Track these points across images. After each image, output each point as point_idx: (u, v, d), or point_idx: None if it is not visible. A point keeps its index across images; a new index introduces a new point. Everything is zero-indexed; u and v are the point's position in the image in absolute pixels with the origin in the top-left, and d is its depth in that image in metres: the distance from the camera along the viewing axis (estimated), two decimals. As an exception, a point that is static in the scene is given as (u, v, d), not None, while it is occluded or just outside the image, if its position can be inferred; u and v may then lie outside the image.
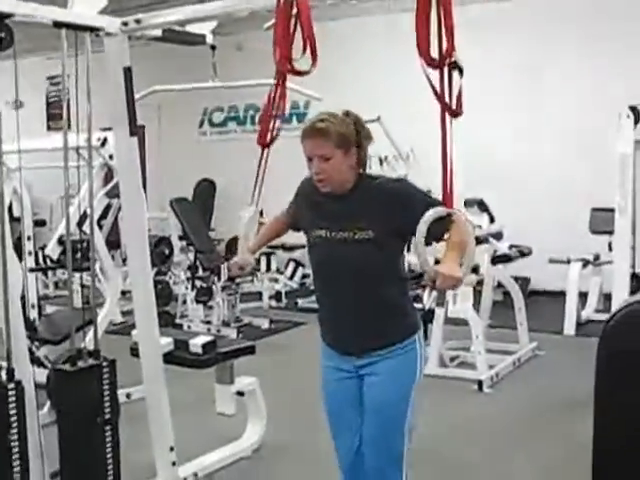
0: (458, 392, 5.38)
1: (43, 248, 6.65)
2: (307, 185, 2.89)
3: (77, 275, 5.97)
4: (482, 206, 6.95)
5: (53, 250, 5.36)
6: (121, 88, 3.18)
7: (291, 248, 9.04)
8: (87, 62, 3.07)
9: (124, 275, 6.88)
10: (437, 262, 2.45)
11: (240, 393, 4.20)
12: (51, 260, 5.58)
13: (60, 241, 5.29)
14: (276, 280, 9.09)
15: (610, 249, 6.55)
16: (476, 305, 5.97)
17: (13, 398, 2.79)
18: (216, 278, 7.70)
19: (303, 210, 2.93)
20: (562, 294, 7.42)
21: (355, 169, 2.75)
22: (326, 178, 2.72)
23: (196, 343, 3.99)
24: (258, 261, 8.74)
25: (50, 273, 9.24)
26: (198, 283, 7.82)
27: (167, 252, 8.46)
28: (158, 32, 3.65)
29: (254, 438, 4.33)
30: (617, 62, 8.36)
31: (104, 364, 3.08)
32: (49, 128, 12.67)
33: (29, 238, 5.91)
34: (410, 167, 8.50)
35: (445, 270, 2.35)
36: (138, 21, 3.05)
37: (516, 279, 6.87)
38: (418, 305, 5.20)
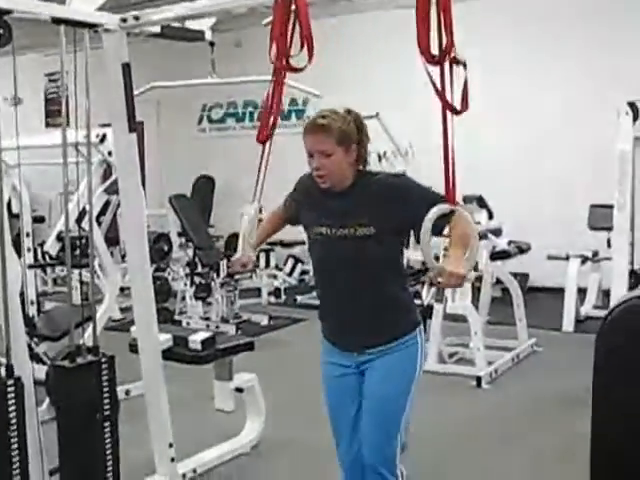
0: (457, 388, 5.38)
1: (42, 244, 6.66)
2: (306, 181, 2.90)
3: (76, 271, 5.98)
4: (481, 202, 6.95)
5: (52, 246, 5.36)
6: (120, 84, 3.18)
7: (290, 244, 9.04)
8: (86, 58, 3.07)
9: (123, 271, 6.89)
10: (436, 258, 2.45)
11: (239, 389, 4.20)
12: (50, 257, 5.58)
13: (59, 238, 5.29)
14: (275, 276, 9.09)
15: (609, 245, 6.56)
16: (475, 301, 5.97)
17: (12, 394, 2.79)
18: (215, 274, 7.70)
19: (303, 206, 2.94)
20: (561, 290, 7.42)
21: (355, 166, 2.76)
22: (326, 174, 2.73)
23: (195, 339, 3.99)
24: (257, 257, 8.75)
25: (49, 269, 9.22)
26: (197, 279, 7.82)
27: (166, 248, 8.45)
28: (157, 28, 3.65)
29: (253, 434, 4.33)
30: (617, 59, 8.35)
31: (103, 360, 3.09)
32: (47, 125, 12.65)
33: (28, 234, 5.92)
34: (409, 163, 8.50)
35: (451, 267, 2.36)
36: (137, 17, 3.05)
37: (515, 275, 6.87)
38: (417, 301, 5.20)
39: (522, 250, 6.66)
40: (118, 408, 3.15)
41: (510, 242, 6.56)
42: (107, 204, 6.52)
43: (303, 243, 8.33)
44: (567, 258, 7.50)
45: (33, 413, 2.92)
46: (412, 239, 3.13)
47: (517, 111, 9.05)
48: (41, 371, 4.09)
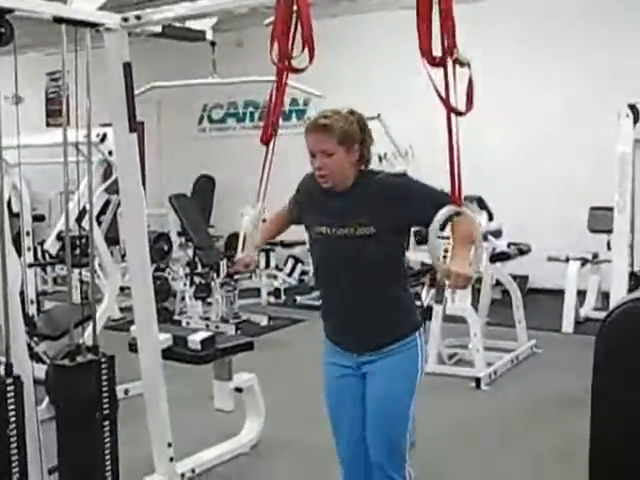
0: (456, 390, 5.38)
1: (42, 244, 6.67)
2: (308, 181, 2.91)
3: (76, 271, 5.98)
4: (481, 204, 6.95)
5: (52, 246, 5.36)
6: (121, 84, 3.18)
7: (290, 245, 9.04)
8: (87, 58, 3.07)
9: (123, 271, 6.89)
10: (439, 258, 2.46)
11: (238, 389, 4.20)
12: (50, 256, 5.58)
13: (59, 237, 5.29)
14: (275, 277, 9.10)
15: (609, 248, 6.55)
16: (474, 303, 5.96)
17: (12, 393, 2.79)
18: (215, 274, 7.71)
19: (305, 207, 2.95)
20: (561, 292, 7.42)
21: (356, 166, 2.77)
22: (328, 174, 2.73)
23: (195, 339, 3.99)
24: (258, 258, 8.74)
25: (49, 269, 9.23)
26: (197, 279, 7.83)
27: (166, 248, 8.46)
28: (158, 28, 3.65)
29: (252, 434, 4.33)
30: (618, 60, 8.35)
31: (103, 360, 3.09)
32: (48, 124, 12.65)
33: (28, 233, 5.91)
34: (409, 164, 8.50)
35: (458, 269, 2.37)
36: (138, 17, 3.05)
37: (515, 277, 6.87)
38: (417, 302, 5.20)
39: (522, 252, 6.66)
40: (117, 407, 3.15)
41: (510, 244, 6.57)
42: (107, 203, 6.52)
43: (303, 243, 8.34)
44: (567, 260, 7.50)
45: (32, 412, 2.92)
46: (412, 240, 3.15)
47: (518, 113, 9.05)
48: (41, 370, 4.09)
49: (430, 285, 6.27)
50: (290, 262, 9.50)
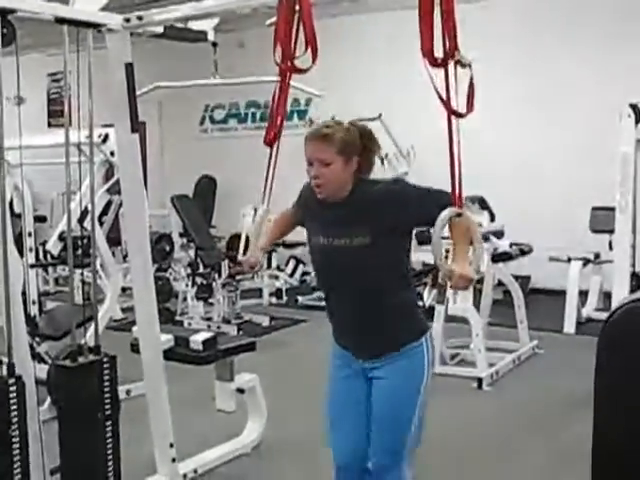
0: (458, 390, 5.38)
1: (44, 244, 6.67)
2: (306, 191, 2.90)
3: (78, 271, 5.98)
4: (483, 204, 6.95)
5: (54, 246, 5.37)
6: (123, 85, 3.18)
7: (292, 245, 9.04)
8: (89, 58, 3.07)
9: (125, 271, 6.89)
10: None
11: (240, 390, 4.20)
12: (52, 256, 5.58)
13: (61, 237, 5.29)
14: (276, 277, 9.10)
15: (610, 248, 6.55)
16: (476, 303, 5.97)
17: (14, 393, 2.79)
18: (216, 275, 7.71)
19: (305, 215, 2.95)
20: (562, 293, 7.42)
21: (354, 176, 2.75)
22: (324, 183, 2.71)
23: (196, 340, 3.99)
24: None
25: (51, 269, 9.23)
26: (198, 280, 7.83)
27: (168, 249, 8.46)
28: (160, 29, 3.65)
29: (254, 435, 4.33)
30: (619, 60, 8.34)
31: (104, 360, 3.09)
32: (50, 125, 12.66)
33: (30, 234, 5.91)
34: (411, 165, 8.51)
35: (460, 270, 2.37)
36: (140, 18, 3.06)
37: (516, 277, 6.87)
38: (418, 303, 5.20)
39: (524, 252, 6.66)
40: (119, 408, 3.15)
41: (512, 244, 6.56)
42: (109, 204, 6.52)
43: (305, 244, 8.31)
44: (569, 260, 7.50)
45: (34, 412, 2.93)
46: (413, 241, 3.14)
47: (519, 113, 9.04)
48: (43, 370, 4.09)
49: (432, 285, 6.27)
50: (292, 263, 9.50)
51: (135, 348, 3.66)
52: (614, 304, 4.49)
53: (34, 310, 5.58)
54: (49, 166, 5.72)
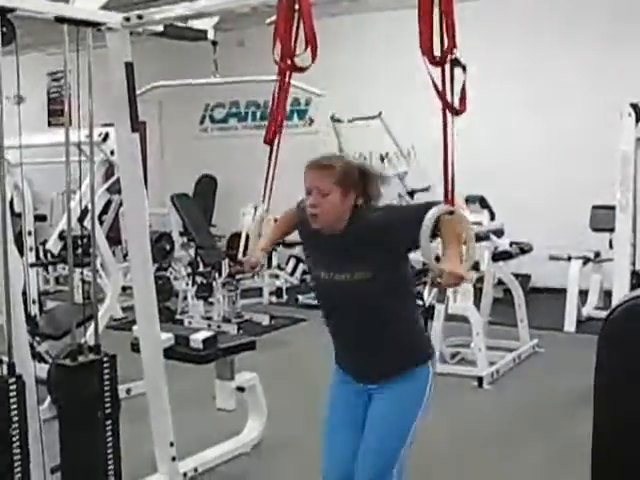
0: (458, 389, 5.38)
1: (44, 243, 6.67)
2: (303, 214, 2.83)
3: (78, 270, 5.98)
4: (483, 203, 6.96)
5: (54, 245, 5.37)
6: (123, 84, 3.18)
7: (292, 244, 9.03)
8: (88, 57, 3.07)
9: (125, 271, 6.89)
10: (437, 259, 2.46)
11: (240, 389, 4.20)
12: (52, 255, 5.58)
13: (61, 236, 5.29)
14: (277, 276, 9.09)
15: (611, 246, 6.55)
16: (476, 302, 5.97)
17: (14, 393, 2.80)
18: (217, 274, 7.71)
19: (304, 237, 2.92)
20: (563, 291, 7.42)
21: (351, 209, 2.72)
22: (319, 213, 2.68)
23: (197, 338, 3.99)
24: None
25: (51, 268, 9.24)
26: (199, 279, 7.83)
27: (168, 248, 8.46)
28: (159, 28, 3.64)
29: (254, 434, 4.33)
30: (620, 59, 8.34)
31: (105, 359, 3.09)
32: (50, 124, 12.66)
33: (30, 233, 5.91)
34: (411, 164, 8.50)
35: (450, 268, 2.36)
36: (140, 17, 3.06)
37: (517, 276, 6.87)
38: (419, 302, 5.20)
39: (524, 251, 6.65)
40: (119, 407, 3.15)
41: (512, 243, 6.56)
42: (109, 203, 6.53)
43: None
44: (569, 259, 7.50)
45: (35, 411, 2.93)
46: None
47: (519, 112, 9.04)
48: (43, 370, 4.09)
49: (432, 284, 6.26)
50: (292, 262, 9.50)
51: (135, 347, 3.67)
52: (614, 302, 4.48)
53: (34, 309, 5.58)
54: (49, 165, 5.72)
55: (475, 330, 5.69)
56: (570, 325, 7.15)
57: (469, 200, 6.81)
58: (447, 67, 2.13)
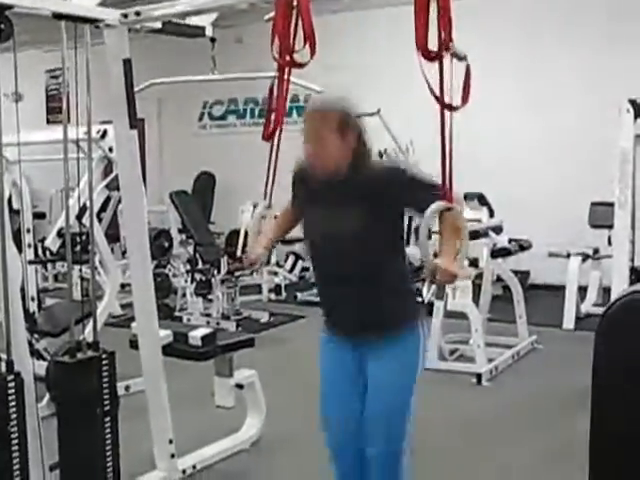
0: (457, 385, 5.38)
1: (43, 240, 6.66)
2: (300, 172, 2.89)
3: (76, 268, 5.98)
4: (482, 200, 6.96)
5: (53, 242, 5.37)
6: (121, 81, 3.18)
7: (290, 241, 9.02)
8: (86, 54, 3.06)
9: (124, 268, 6.89)
10: (434, 255, 2.48)
11: (239, 386, 4.20)
12: (51, 252, 5.58)
13: (59, 234, 5.29)
14: (275, 273, 9.09)
15: (610, 243, 6.55)
16: (475, 298, 5.97)
17: (12, 390, 2.79)
18: (215, 271, 7.70)
19: (299, 196, 2.94)
20: (561, 288, 7.42)
21: (351, 156, 2.75)
22: (319, 159, 2.72)
23: (195, 335, 3.99)
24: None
25: (50, 266, 9.23)
26: (197, 276, 7.82)
27: (167, 245, 8.46)
28: (157, 24, 3.64)
29: (253, 431, 4.33)
30: (619, 56, 8.34)
31: (103, 356, 3.09)
32: (48, 121, 12.65)
33: (29, 230, 5.91)
34: (409, 160, 8.49)
35: (445, 265, 2.38)
36: (138, 13, 3.05)
37: (515, 273, 6.87)
38: (418, 298, 5.20)
39: (523, 247, 6.66)
40: (118, 404, 3.15)
41: (511, 240, 6.56)
42: (108, 200, 6.52)
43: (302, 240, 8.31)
44: (568, 256, 7.50)
45: (33, 409, 2.93)
46: (412, 238, 3.16)
47: (519, 109, 9.04)
48: (41, 367, 4.09)
49: (431, 281, 6.26)
50: (291, 259, 9.48)
51: (134, 344, 3.66)
52: (613, 299, 4.48)
53: (33, 307, 5.58)
54: (48, 163, 5.71)
55: (474, 327, 5.69)
56: (569, 322, 7.15)
57: (468, 197, 6.80)
58: (444, 63, 2.14)
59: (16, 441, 2.80)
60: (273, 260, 9.10)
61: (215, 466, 4.04)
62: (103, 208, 7.00)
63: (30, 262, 5.85)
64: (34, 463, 2.92)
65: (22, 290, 3.90)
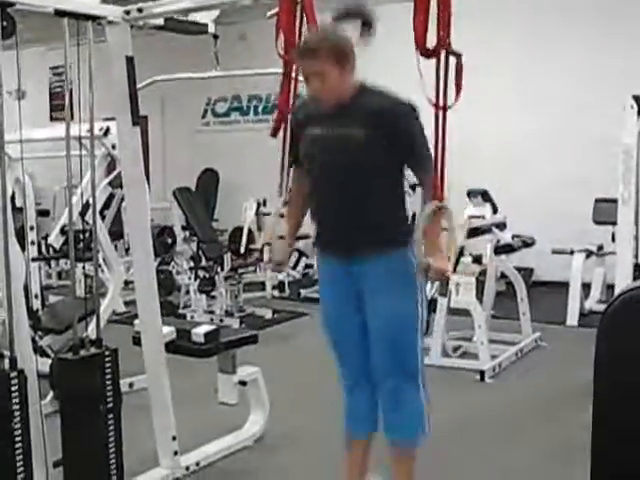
0: (460, 382, 5.38)
1: (46, 238, 6.67)
2: (303, 105, 2.92)
3: (80, 265, 5.98)
4: (485, 196, 6.93)
5: (56, 240, 5.36)
6: (123, 78, 3.18)
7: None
8: (89, 51, 3.06)
9: (127, 265, 6.89)
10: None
11: (242, 382, 4.20)
12: (54, 250, 5.59)
13: (63, 231, 5.29)
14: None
15: (613, 240, 6.54)
16: (479, 295, 5.95)
17: (16, 387, 2.80)
18: (219, 268, 7.70)
19: (300, 131, 2.93)
20: (565, 285, 7.41)
21: (354, 82, 2.78)
22: (323, 93, 2.75)
23: (198, 332, 3.99)
24: (261, 251, 8.73)
25: (53, 263, 9.24)
26: (201, 273, 7.82)
27: (170, 242, 8.46)
28: (160, 21, 3.64)
29: (256, 428, 4.33)
30: (623, 52, 8.32)
31: (106, 353, 3.09)
32: (52, 119, 12.66)
33: (32, 228, 5.91)
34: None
35: (438, 264, 2.43)
36: (140, 10, 3.06)
37: (519, 269, 6.86)
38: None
39: (526, 244, 6.64)
40: (121, 401, 3.16)
41: (514, 236, 6.55)
42: (111, 197, 6.52)
43: (307, 237, 8.31)
44: (571, 252, 7.49)
45: (36, 406, 2.93)
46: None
47: (523, 105, 9.02)
48: (45, 364, 4.10)
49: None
50: (294, 255, 9.49)
51: (137, 341, 3.67)
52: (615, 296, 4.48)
53: (37, 304, 5.59)
54: (52, 160, 5.71)
55: (477, 323, 5.68)
56: (573, 318, 7.14)
57: (472, 194, 6.79)
58: (441, 61, 2.15)
59: (20, 438, 2.80)
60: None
61: (218, 463, 4.04)
62: (107, 205, 7.01)
63: (33, 259, 5.86)
64: (38, 460, 2.93)
65: (26, 287, 3.90)
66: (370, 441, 3.21)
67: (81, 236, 4.83)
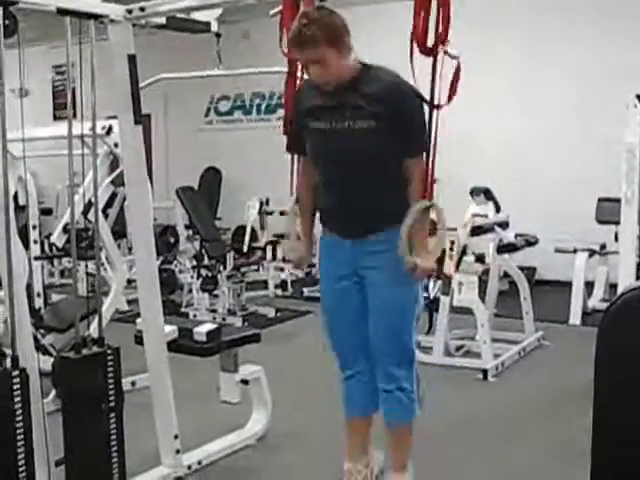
0: (463, 381, 5.38)
1: (49, 236, 6.67)
2: (306, 88, 2.93)
3: (82, 263, 5.99)
4: (488, 195, 6.92)
5: (58, 238, 5.37)
6: (126, 76, 3.18)
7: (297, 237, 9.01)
8: (91, 50, 3.06)
9: (130, 264, 6.89)
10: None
11: (245, 381, 4.20)
12: (57, 248, 5.59)
13: (65, 229, 5.30)
14: (282, 269, 9.08)
15: (616, 239, 6.53)
16: (482, 294, 5.95)
17: (18, 386, 2.80)
18: (222, 267, 7.71)
19: (304, 115, 2.94)
20: (568, 284, 7.40)
21: (354, 61, 2.79)
22: (326, 77, 2.76)
23: (200, 331, 3.99)
24: (264, 249, 8.74)
25: (56, 261, 9.25)
26: (204, 272, 7.83)
27: (173, 241, 8.45)
28: (162, 20, 3.64)
29: (258, 426, 4.33)
30: (627, 51, 8.31)
31: (108, 352, 3.09)
32: (55, 117, 12.67)
33: (35, 227, 5.92)
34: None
35: (423, 263, 2.57)
36: (142, 9, 3.06)
37: (522, 268, 6.85)
38: (424, 294, 5.20)
39: (529, 243, 6.64)
40: (123, 399, 3.16)
41: (517, 235, 6.54)
42: (114, 196, 6.52)
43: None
44: (574, 251, 7.48)
45: (39, 404, 2.93)
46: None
47: (525, 104, 9.01)
48: (47, 363, 4.10)
49: (437, 277, 6.25)
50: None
51: (139, 340, 3.67)
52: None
53: (39, 302, 5.59)
54: (55, 158, 5.71)
55: (480, 322, 5.68)
56: (575, 318, 7.14)
57: (474, 192, 6.78)
58: (439, 60, 2.16)
59: (22, 437, 2.80)
60: (279, 256, 9.09)
61: (220, 462, 4.05)
62: (109, 204, 7.01)
63: (36, 258, 5.86)
64: (40, 459, 2.93)
65: (28, 286, 3.91)
66: (370, 419, 3.28)
67: (84, 235, 4.83)
